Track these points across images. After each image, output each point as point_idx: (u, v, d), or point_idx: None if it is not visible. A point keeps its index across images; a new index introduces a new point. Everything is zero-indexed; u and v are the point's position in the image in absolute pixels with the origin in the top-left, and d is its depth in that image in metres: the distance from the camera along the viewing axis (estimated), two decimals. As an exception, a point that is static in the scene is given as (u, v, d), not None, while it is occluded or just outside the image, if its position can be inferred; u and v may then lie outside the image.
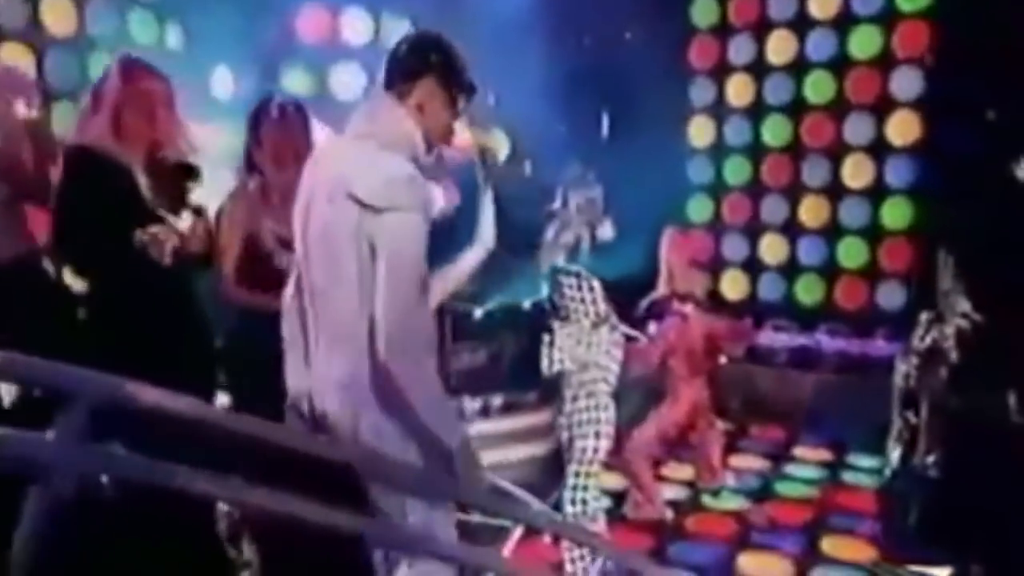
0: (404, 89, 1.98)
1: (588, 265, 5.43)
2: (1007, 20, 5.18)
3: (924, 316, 4.37)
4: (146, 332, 2.40)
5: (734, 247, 6.71)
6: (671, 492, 4.54)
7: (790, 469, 5.05)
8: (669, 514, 4.27)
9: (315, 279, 1.95)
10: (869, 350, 5.90)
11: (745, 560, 3.82)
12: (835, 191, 6.28)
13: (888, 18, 5.98)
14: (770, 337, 6.27)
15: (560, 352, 3.41)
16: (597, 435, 3.47)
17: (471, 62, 2.13)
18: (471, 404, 5.32)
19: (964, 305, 4.18)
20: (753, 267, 6.65)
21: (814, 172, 6.34)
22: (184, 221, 2.44)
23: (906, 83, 5.97)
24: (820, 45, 6.23)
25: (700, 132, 6.72)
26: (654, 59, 6.55)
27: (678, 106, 6.68)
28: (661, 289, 4.27)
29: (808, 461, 5.16)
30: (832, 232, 6.33)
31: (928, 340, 4.27)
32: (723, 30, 6.55)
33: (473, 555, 1.98)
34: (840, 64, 6.17)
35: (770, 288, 6.58)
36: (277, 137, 2.58)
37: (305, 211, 1.97)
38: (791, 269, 6.51)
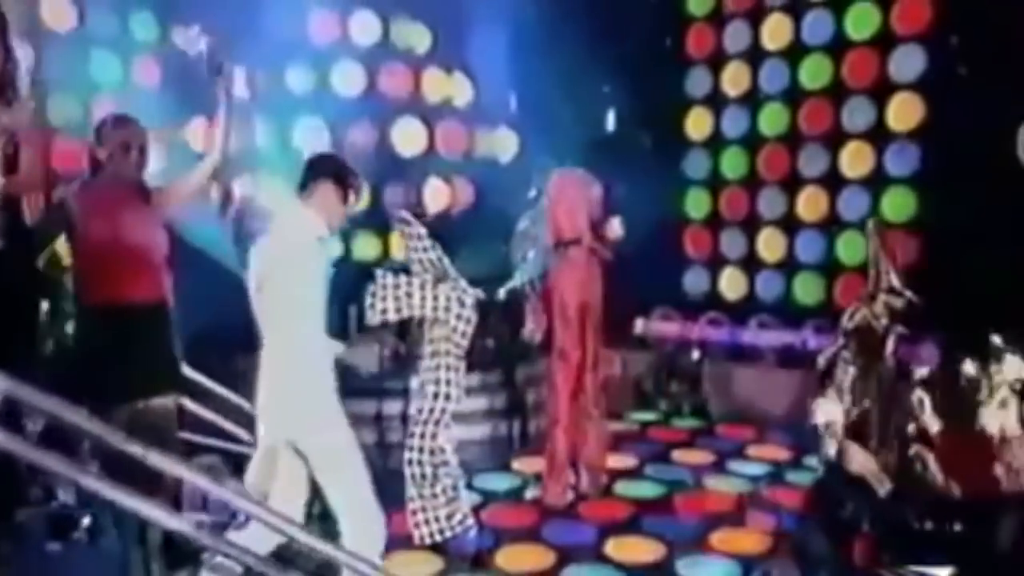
0: (309, 190, 2.80)
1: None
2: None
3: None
4: None
5: (732, 243, 6.38)
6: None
7: (734, 466, 4.72)
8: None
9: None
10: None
11: (613, 543, 3.61)
12: (834, 182, 5.88)
13: (886, -6, 5.58)
14: (755, 335, 5.91)
15: (384, 302, 3.33)
16: (435, 396, 3.36)
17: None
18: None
19: (893, 280, 3.83)
20: (751, 264, 6.30)
21: (812, 162, 5.96)
22: None
23: (907, 63, 5.52)
24: (816, 27, 5.87)
25: (697, 124, 6.46)
26: (651, 51, 6.42)
27: (675, 98, 6.46)
28: (547, 238, 4.13)
29: (758, 459, 4.82)
30: (831, 226, 5.91)
31: (857, 318, 3.92)
32: (718, 17, 6.29)
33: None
34: (837, 47, 5.79)
35: (768, 286, 6.21)
36: None
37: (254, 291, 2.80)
38: (789, 266, 6.12)
